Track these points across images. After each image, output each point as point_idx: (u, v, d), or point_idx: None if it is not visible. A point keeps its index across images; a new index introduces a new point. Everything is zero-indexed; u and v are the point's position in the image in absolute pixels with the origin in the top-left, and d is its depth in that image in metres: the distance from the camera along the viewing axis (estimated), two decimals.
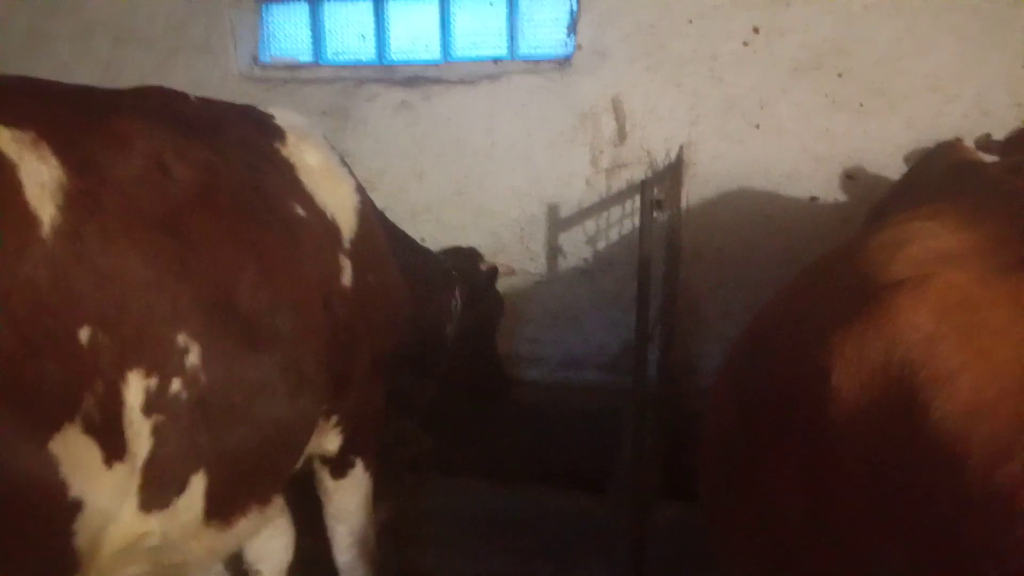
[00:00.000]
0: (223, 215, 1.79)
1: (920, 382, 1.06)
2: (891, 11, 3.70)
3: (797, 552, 1.25)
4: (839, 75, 3.82)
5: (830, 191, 3.95)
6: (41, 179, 1.36)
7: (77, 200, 1.40)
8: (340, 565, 2.68)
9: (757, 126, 3.99)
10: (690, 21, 3.99)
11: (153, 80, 4.49)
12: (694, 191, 4.11)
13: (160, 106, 1.94)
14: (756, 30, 3.91)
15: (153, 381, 1.52)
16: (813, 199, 3.98)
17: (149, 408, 1.52)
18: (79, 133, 1.53)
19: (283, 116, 2.41)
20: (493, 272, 3.69)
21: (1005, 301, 1.08)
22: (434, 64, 4.41)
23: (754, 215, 4.06)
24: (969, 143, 3.51)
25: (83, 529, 1.36)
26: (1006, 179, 1.78)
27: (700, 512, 1.81)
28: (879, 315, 1.16)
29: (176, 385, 1.57)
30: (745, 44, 3.94)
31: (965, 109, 3.71)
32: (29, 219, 1.30)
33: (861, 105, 3.82)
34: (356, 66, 4.54)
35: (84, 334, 1.35)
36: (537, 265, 4.35)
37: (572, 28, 4.20)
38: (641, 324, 2.99)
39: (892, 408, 1.08)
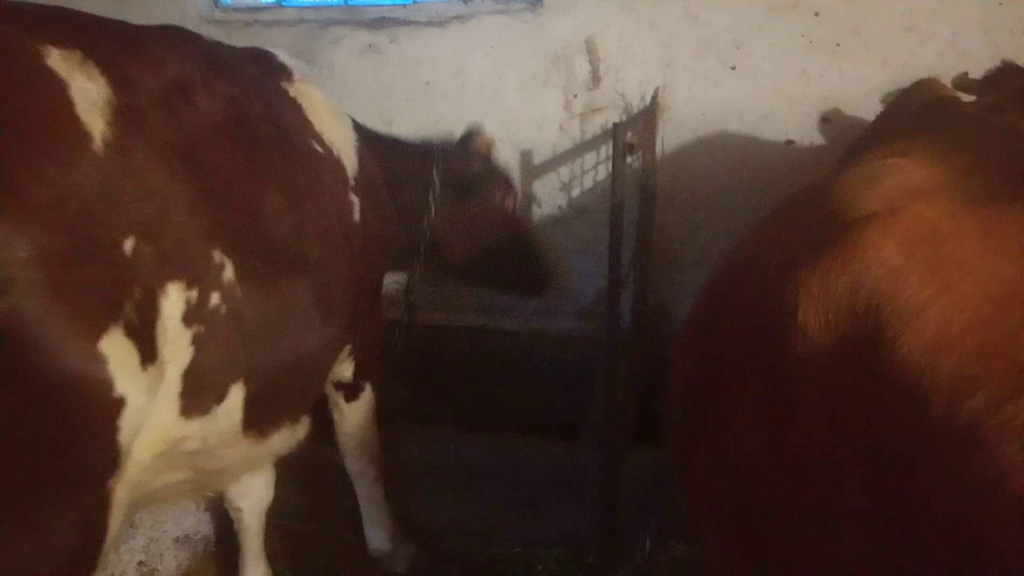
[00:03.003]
0: (249, 145, 1.92)
1: (886, 317, 1.03)
2: None
3: (757, 490, 1.23)
4: (815, 14, 3.74)
5: (806, 134, 3.90)
6: (91, 96, 1.43)
7: (124, 116, 1.49)
8: (354, 470, 3.00)
9: (733, 67, 3.92)
10: None
11: None
12: (669, 135, 4.04)
13: (182, 40, 2.06)
14: None
15: (193, 293, 1.61)
16: (789, 142, 3.93)
17: (190, 318, 1.61)
18: (120, 54, 1.61)
19: (284, 57, 2.54)
20: (480, 151, 3.42)
21: (973, 234, 1.05)
22: (401, 5, 4.27)
23: (729, 159, 4.01)
24: (946, 83, 3.47)
25: (126, 425, 1.43)
26: (981, 115, 1.74)
27: (667, 455, 1.81)
28: (846, 250, 1.13)
29: (215, 298, 1.67)
30: None
31: (941, 49, 3.65)
32: (81, 133, 1.38)
33: (837, 45, 3.76)
34: (320, 7, 4.38)
35: (128, 243, 1.43)
36: None
37: None
38: (613, 271, 2.96)
39: (857, 343, 1.06)
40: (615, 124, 2.79)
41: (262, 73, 2.34)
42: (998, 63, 3.38)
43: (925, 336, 0.98)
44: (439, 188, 3.16)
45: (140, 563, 2.96)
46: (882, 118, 2.92)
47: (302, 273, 2.02)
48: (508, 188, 3.53)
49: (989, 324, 0.95)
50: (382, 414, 3.08)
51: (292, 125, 2.23)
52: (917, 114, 2.27)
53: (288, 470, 2.90)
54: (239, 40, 4.26)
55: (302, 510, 3.26)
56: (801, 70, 3.82)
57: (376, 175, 2.70)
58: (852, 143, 2.94)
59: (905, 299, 1.03)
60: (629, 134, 2.88)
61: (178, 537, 3.12)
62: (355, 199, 2.41)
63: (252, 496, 2.81)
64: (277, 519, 3.05)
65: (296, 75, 2.46)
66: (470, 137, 3.39)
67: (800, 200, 1.60)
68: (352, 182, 2.43)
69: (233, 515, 2.81)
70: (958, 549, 0.90)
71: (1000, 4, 3.55)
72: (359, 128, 2.81)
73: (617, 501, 2.98)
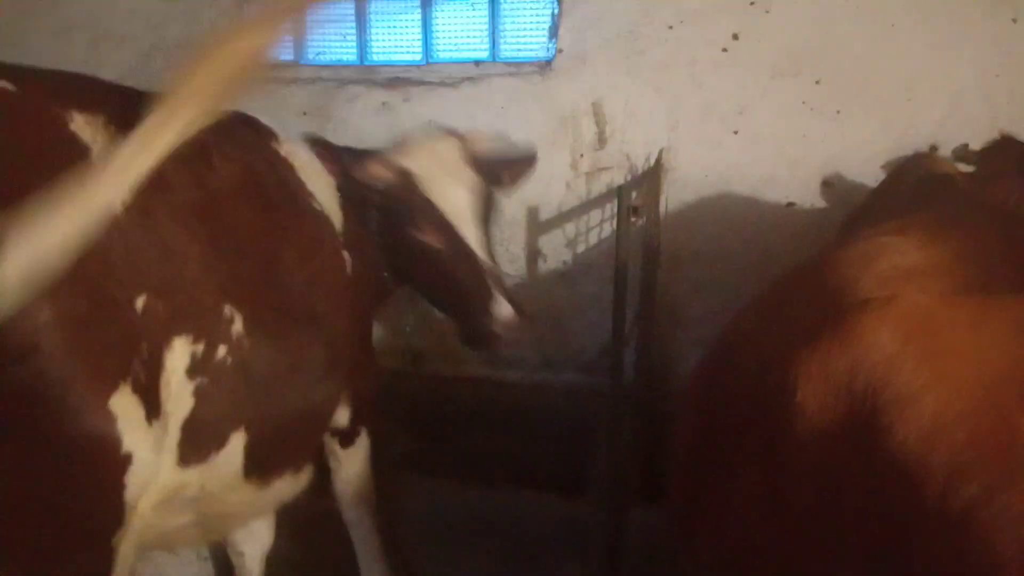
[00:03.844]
0: (260, 205, 2.00)
1: (883, 403, 1.09)
2: (868, 19, 3.74)
3: (755, 560, 1.27)
4: (816, 82, 3.86)
5: (807, 196, 3.99)
6: None
7: (148, 180, 1.50)
8: (350, 520, 2.97)
9: (735, 131, 4.02)
10: (670, 27, 4.01)
11: (130, 78, 4.42)
12: (673, 195, 4.13)
13: None
14: (735, 36, 3.94)
15: (199, 347, 1.65)
16: (790, 204, 4.02)
17: (193, 371, 1.65)
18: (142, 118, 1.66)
19: (266, 120, 2.55)
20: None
21: (966, 322, 1.11)
22: (415, 65, 4.41)
23: (732, 220, 4.09)
24: (945, 151, 3.57)
25: (132, 482, 1.46)
26: (976, 195, 1.81)
27: (669, 515, 1.85)
28: (844, 334, 1.19)
29: (221, 351, 1.72)
30: (724, 50, 3.97)
31: (940, 117, 3.75)
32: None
33: (838, 112, 3.86)
34: (337, 66, 4.53)
35: (140, 301, 1.47)
36: (517, 267, 4.36)
37: (553, 32, 4.22)
38: (618, 327, 3.02)
39: (854, 426, 1.11)
40: (620, 186, 2.89)
41: (253, 135, 2.40)
42: (996, 134, 3.51)
43: (920, 424, 1.03)
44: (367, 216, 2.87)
45: None
46: (881, 190, 3.01)
47: (310, 326, 2.09)
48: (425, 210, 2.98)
49: (982, 413, 1.00)
50: (383, 464, 3.10)
51: (293, 185, 2.32)
52: (915, 190, 2.35)
53: (288, 519, 2.92)
54: (258, 96, 4.42)
55: (301, 560, 3.27)
56: (802, 135, 3.93)
57: (359, 228, 2.75)
58: (852, 213, 3.02)
59: (901, 386, 1.08)
60: (633, 195, 2.96)
61: None
62: (347, 255, 2.49)
63: (254, 541, 2.85)
64: (277, 568, 3.06)
65: (281, 137, 2.52)
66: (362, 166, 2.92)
67: (801, 273, 1.67)
68: (341, 237, 2.52)
69: (235, 560, 2.85)
70: None
71: (997, 76, 3.67)
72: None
73: (620, 561, 2.99)
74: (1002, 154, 3.14)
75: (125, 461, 1.43)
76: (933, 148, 3.69)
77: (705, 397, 1.62)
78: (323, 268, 2.23)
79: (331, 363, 2.21)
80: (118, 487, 1.43)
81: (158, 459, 1.58)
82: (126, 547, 1.52)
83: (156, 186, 1.55)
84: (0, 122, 1.33)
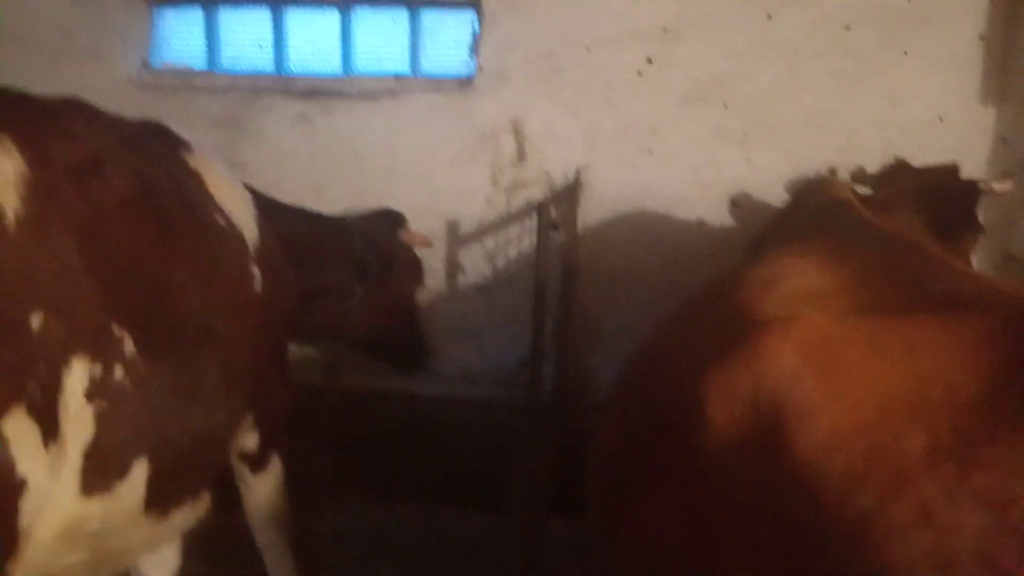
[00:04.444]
0: (156, 220, 1.90)
1: (784, 417, 1.16)
2: (772, 51, 3.94)
3: (674, 570, 1.33)
4: (724, 107, 4.04)
5: (716, 215, 4.15)
6: (5, 173, 1.42)
7: (39, 191, 1.48)
8: (262, 544, 2.90)
9: (650, 151, 4.16)
10: (587, 49, 4.13)
11: (40, 84, 4.23)
12: (590, 212, 4.23)
13: (89, 113, 2.01)
14: (650, 60, 4.08)
15: (98, 367, 1.58)
16: (701, 222, 4.18)
17: (92, 393, 1.57)
18: (36, 129, 1.61)
19: (180, 130, 2.49)
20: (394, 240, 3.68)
21: (860, 341, 1.20)
22: (335, 77, 4.38)
23: (646, 236, 4.22)
24: (844, 174, 3.80)
25: (26, 508, 1.41)
26: (872, 222, 1.94)
27: (588, 529, 1.89)
28: (749, 352, 1.26)
29: (118, 372, 1.64)
30: (639, 74, 4.10)
31: (840, 143, 3.98)
32: None
33: (745, 135, 4.05)
34: (253, 76, 4.45)
35: (36, 319, 1.41)
36: (436, 281, 4.37)
37: (474, 50, 4.27)
38: (537, 341, 3.08)
39: (759, 440, 1.18)
40: (540, 203, 2.95)
41: (164, 146, 2.34)
42: (891, 159, 3.75)
43: (818, 436, 1.11)
44: (357, 266, 3.32)
45: None
46: (784, 212, 3.17)
47: (207, 346, 2.01)
48: (419, 276, 3.89)
49: (874, 428, 1.08)
50: (297, 485, 3.05)
51: (196, 198, 2.23)
52: (816, 214, 2.49)
53: (197, 539, 2.84)
54: (169, 104, 4.32)
55: None
56: (711, 157, 4.09)
57: (276, 246, 2.72)
58: (758, 232, 3.17)
59: (801, 401, 1.16)
60: (552, 212, 3.03)
61: None
62: (256, 271, 2.42)
63: (160, 567, 2.73)
64: None
65: (195, 148, 2.46)
66: (397, 224, 3.54)
67: (710, 293, 1.75)
68: (253, 253, 2.45)
69: None
70: None
71: (892, 105, 3.92)
72: (264, 200, 2.88)
73: (536, 573, 3.03)
74: (896, 177, 3.38)
75: (19, 486, 1.38)
76: (832, 171, 3.91)
77: (621, 413, 1.68)
78: (222, 286, 2.14)
79: (229, 384, 2.13)
80: (11, 512, 1.38)
81: (55, 485, 1.51)
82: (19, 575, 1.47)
83: (49, 199, 1.50)
84: None
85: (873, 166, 3.77)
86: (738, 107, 4.03)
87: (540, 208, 3.04)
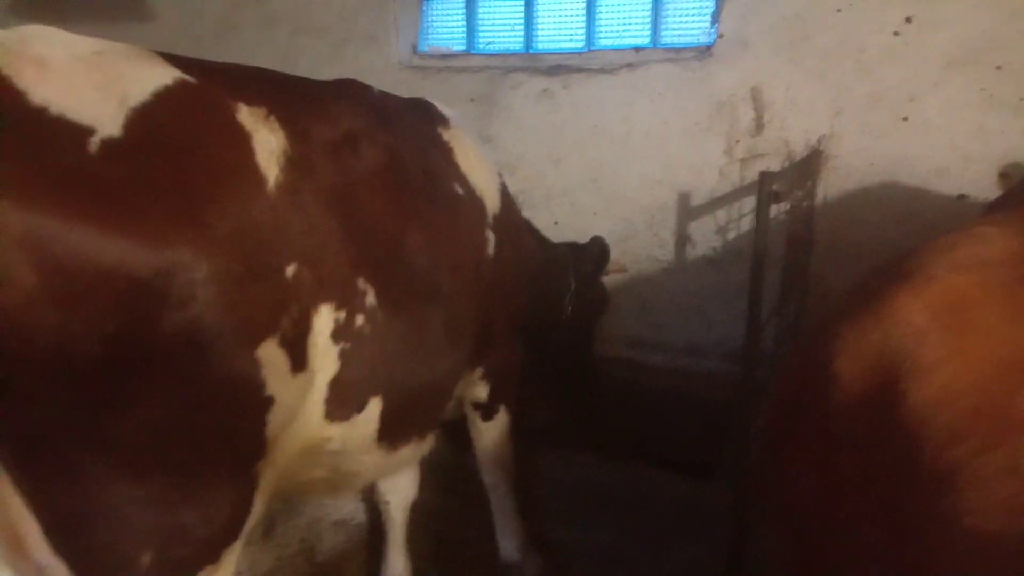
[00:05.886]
0: (398, 189, 2.17)
1: (904, 371, 1.14)
2: None
3: (809, 521, 1.34)
4: (997, 68, 3.60)
5: (981, 189, 3.73)
6: (270, 146, 1.70)
7: (296, 163, 1.75)
8: (488, 483, 3.22)
9: (905, 120, 3.84)
10: (838, 10, 3.89)
11: (325, 66, 4.95)
12: (833, 184, 4.02)
13: (356, 95, 2.35)
14: (908, 20, 3.75)
15: (342, 314, 1.85)
16: (962, 196, 3.79)
17: (338, 336, 1.85)
18: (300, 110, 1.90)
19: (443, 107, 2.81)
20: (600, 264, 3.77)
21: (996, 305, 1.13)
22: (576, 53, 4.57)
23: (896, 211, 3.92)
24: None
25: (273, 420, 1.67)
26: None
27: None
28: (879, 309, 1.24)
29: (360, 320, 1.91)
30: (896, 35, 3.79)
31: None
32: (259, 177, 1.65)
33: (1021, 100, 3.59)
34: (504, 55, 4.78)
35: (291, 269, 1.68)
36: (666, 252, 4.42)
37: (715, 17, 4.21)
38: (753, 315, 3.04)
39: (880, 395, 1.17)
40: (762, 173, 2.89)
41: (421, 121, 2.62)
42: None
43: (931, 392, 1.08)
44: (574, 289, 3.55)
45: (302, 539, 3.38)
46: (1021, 182, 2.80)
47: (434, 302, 2.24)
48: (605, 305, 3.95)
49: (988, 386, 1.03)
50: (523, 436, 3.29)
51: (439, 169, 2.48)
52: None
53: (435, 474, 3.21)
54: (432, 83, 4.80)
55: (446, 512, 3.56)
56: (979, 126, 3.68)
57: (516, 216, 2.95)
58: (991, 203, 2.84)
59: (921, 358, 1.13)
60: (775, 186, 2.95)
61: (336, 521, 3.53)
62: (491, 235, 2.64)
63: (399, 492, 3.12)
64: (422, 518, 3.37)
65: (452, 123, 2.72)
66: (604, 253, 3.69)
67: (893, 259, 1.67)
68: (491, 220, 2.67)
69: (381, 508, 3.14)
70: None
71: None
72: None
73: (743, 548, 3.01)
74: None
75: (267, 402, 1.63)
76: None
77: (786, 373, 1.68)
78: (453, 249, 2.37)
79: (453, 339, 2.36)
80: (260, 423, 1.64)
81: (300, 406, 1.79)
82: (268, 476, 1.76)
83: (304, 170, 1.77)
84: (183, 110, 1.57)
85: None
86: (1013, 70, 3.58)
87: (762, 179, 2.97)
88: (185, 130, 1.55)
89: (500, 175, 2.93)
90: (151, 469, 1.48)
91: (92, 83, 1.46)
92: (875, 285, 1.38)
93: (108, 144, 1.38)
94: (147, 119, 1.47)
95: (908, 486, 1.05)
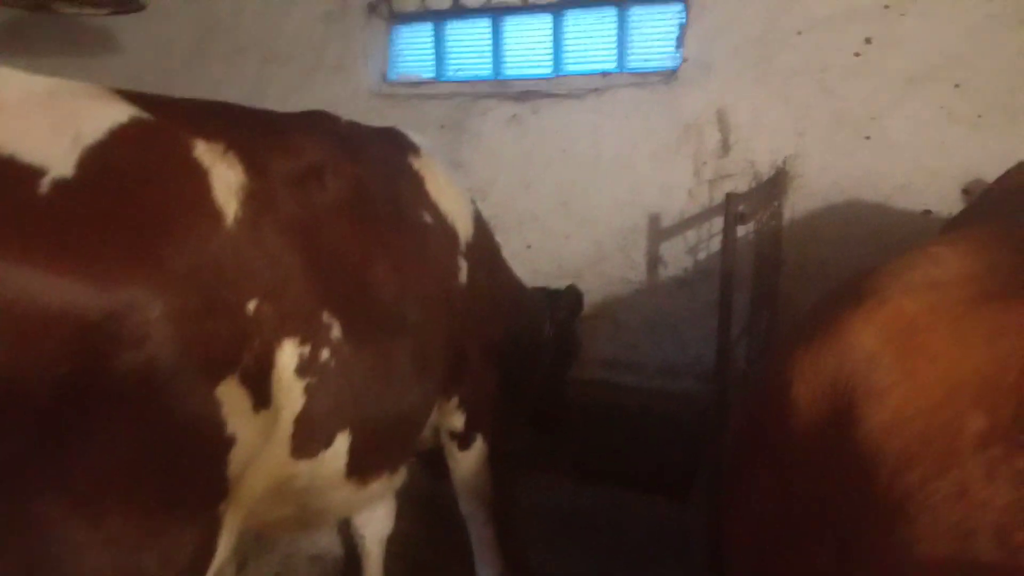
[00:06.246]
0: (364, 220, 2.15)
1: (858, 396, 1.15)
2: (1013, 22, 3.53)
3: (768, 550, 1.34)
4: (956, 86, 3.68)
5: (945, 204, 3.80)
6: (228, 181, 1.69)
7: (257, 198, 1.74)
8: (466, 512, 3.16)
9: (868, 138, 3.91)
10: (799, 33, 3.97)
11: (294, 95, 4.93)
12: (799, 203, 4.07)
13: (323, 127, 2.35)
14: (869, 40, 3.83)
15: (306, 349, 1.83)
16: (926, 212, 3.85)
17: (303, 371, 1.83)
18: (261, 145, 1.89)
19: (413, 135, 2.80)
20: (574, 312, 3.85)
21: (945, 327, 1.14)
22: (544, 78, 4.61)
23: (862, 229, 3.97)
24: None
25: (235, 460, 1.65)
26: None
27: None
28: (834, 334, 1.25)
29: (325, 354, 1.89)
30: (857, 55, 3.87)
31: None
32: (217, 213, 1.63)
33: (979, 118, 3.66)
34: (473, 82, 4.82)
35: (251, 304, 1.66)
36: (637, 274, 4.44)
37: (680, 41, 4.27)
38: (723, 334, 3.06)
39: (835, 420, 1.18)
40: (728, 194, 2.92)
41: (390, 150, 2.60)
42: None
43: (883, 416, 1.09)
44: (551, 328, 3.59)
45: (276, 574, 3.34)
46: (978, 199, 2.85)
47: (402, 333, 2.22)
48: (576, 352, 3.99)
49: (937, 410, 1.04)
50: (501, 461, 3.27)
51: (408, 198, 2.47)
52: (995, 201, 2.25)
53: (410, 502, 3.17)
54: (401, 111, 4.81)
55: (423, 541, 3.53)
56: (940, 142, 3.76)
57: (490, 244, 2.94)
58: (950, 219, 2.89)
59: (874, 382, 1.14)
60: (741, 207, 2.98)
61: (312, 555, 3.48)
62: (463, 263, 2.62)
63: (374, 525, 3.10)
64: (399, 548, 3.33)
65: (422, 152, 2.71)
66: (578, 300, 3.78)
67: (847, 281, 1.69)
68: (463, 247, 2.66)
69: (357, 541, 3.12)
70: None
71: None
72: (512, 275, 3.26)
73: (721, 565, 3.01)
74: None
75: (229, 442, 1.61)
76: None
77: (747, 397, 1.69)
78: (421, 279, 2.35)
79: (422, 370, 2.33)
80: (222, 463, 1.61)
81: (267, 445, 1.77)
82: (231, 517, 1.72)
83: (265, 204, 1.76)
84: (138, 148, 1.55)
85: None
86: (971, 87, 3.66)
87: (728, 200, 3.00)
88: (140, 168, 1.54)
89: (474, 202, 2.92)
90: (109, 511, 1.44)
91: (45, 123, 1.45)
92: (830, 308, 1.39)
93: (59, 184, 1.37)
94: (100, 158, 1.45)
95: (863, 513, 1.06)
